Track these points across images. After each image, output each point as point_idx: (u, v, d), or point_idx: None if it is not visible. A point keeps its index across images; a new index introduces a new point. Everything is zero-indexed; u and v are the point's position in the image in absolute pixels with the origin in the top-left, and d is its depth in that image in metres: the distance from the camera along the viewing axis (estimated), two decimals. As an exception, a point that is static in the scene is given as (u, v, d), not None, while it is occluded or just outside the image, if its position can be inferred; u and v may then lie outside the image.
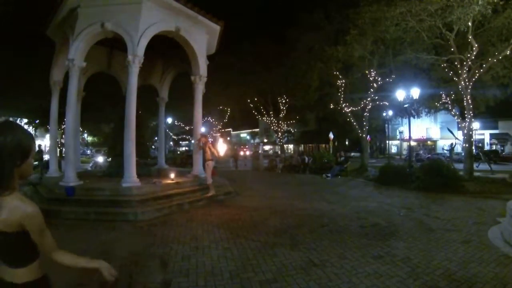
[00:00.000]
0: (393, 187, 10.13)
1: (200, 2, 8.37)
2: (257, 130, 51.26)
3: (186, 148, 45.32)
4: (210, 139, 8.75)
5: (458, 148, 21.02)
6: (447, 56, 11.35)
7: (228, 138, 50.41)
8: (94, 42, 7.85)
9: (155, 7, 7.44)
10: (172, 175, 8.47)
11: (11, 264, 1.24)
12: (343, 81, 16.71)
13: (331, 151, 19.68)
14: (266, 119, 29.62)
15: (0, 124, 1.22)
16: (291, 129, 38.03)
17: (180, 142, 51.13)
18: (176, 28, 7.93)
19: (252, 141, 52.36)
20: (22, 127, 1.27)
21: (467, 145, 11.73)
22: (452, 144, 18.16)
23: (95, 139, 42.72)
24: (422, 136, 36.70)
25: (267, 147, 48.31)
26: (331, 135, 21.37)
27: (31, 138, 1.27)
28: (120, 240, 4.68)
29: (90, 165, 18.18)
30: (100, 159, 17.72)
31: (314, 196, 8.88)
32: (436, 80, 13.24)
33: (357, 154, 27.32)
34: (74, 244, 3.93)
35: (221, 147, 8.52)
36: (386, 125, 28.50)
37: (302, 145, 42.29)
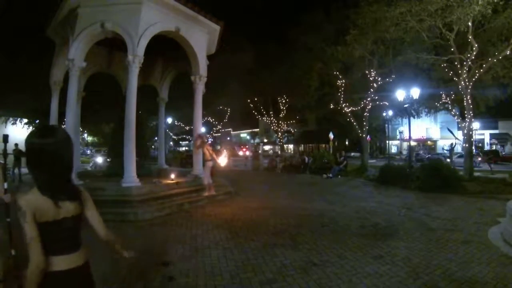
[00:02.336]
0: (393, 187, 10.13)
1: (200, 2, 8.38)
2: (257, 130, 51.22)
3: (186, 148, 45.30)
4: (207, 140, 8.40)
5: (458, 148, 21.02)
6: (447, 56, 11.35)
7: (228, 138, 50.38)
8: (94, 42, 7.85)
9: (155, 7, 7.43)
10: (172, 175, 8.47)
11: (75, 247, 1.43)
12: (343, 81, 16.70)
13: (331, 151, 19.68)
14: (266, 119, 29.60)
15: (58, 128, 1.47)
16: (291, 129, 38.00)
17: (180, 142, 51.10)
18: (176, 28, 7.93)
19: (252, 141, 52.32)
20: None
21: (467, 145, 11.73)
22: (452, 144, 18.15)
23: (95, 139, 42.68)
24: (422, 136, 36.71)
25: (267, 147, 48.27)
26: (331, 135, 21.37)
27: None
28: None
29: (90, 165, 18.18)
30: (99, 159, 17.71)
31: (314, 196, 8.89)
32: (436, 80, 13.25)
33: (357, 154, 27.34)
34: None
35: (223, 159, 8.06)
36: (386, 125, 28.52)
37: (302, 145, 42.28)
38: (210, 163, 8.04)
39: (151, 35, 7.41)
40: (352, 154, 29.82)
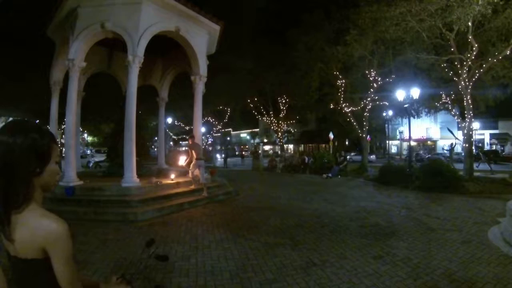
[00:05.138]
0: (393, 187, 10.13)
1: (200, 2, 8.39)
2: (257, 130, 51.22)
3: (186, 148, 45.22)
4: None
5: (458, 148, 21.01)
6: (447, 56, 11.34)
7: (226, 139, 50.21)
8: (94, 42, 7.85)
9: (155, 7, 7.44)
10: (172, 175, 8.47)
11: None
12: (343, 81, 16.71)
13: (331, 151, 19.68)
14: (266, 119, 29.59)
15: (9, 123, 1.00)
16: (291, 129, 38.00)
17: (180, 142, 51.09)
18: (176, 28, 7.93)
19: (252, 141, 52.33)
20: (37, 126, 1.03)
21: (467, 145, 11.73)
22: (452, 144, 18.14)
23: (95, 139, 42.76)
24: (422, 136, 36.67)
25: (267, 147, 48.29)
26: (331, 135, 21.37)
27: (50, 138, 1.02)
28: (120, 240, 4.67)
29: (90, 165, 18.20)
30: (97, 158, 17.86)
31: (314, 196, 8.88)
32: (436, 80, 13.23)
33: (358, 157, 27.24)
34: (74, 245, 3.92)
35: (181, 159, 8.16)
36: (386, 125, 28.50)
37: (302, 145, 42.29)
38: (199, 162, 7.93)
39: (151, 35, 7.41)
40: (353, 154, 29.43)
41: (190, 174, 8.04)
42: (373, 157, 29.03)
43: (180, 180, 8.35)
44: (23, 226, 0.92)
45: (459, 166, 11.84)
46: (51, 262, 0.95)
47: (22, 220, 0.93)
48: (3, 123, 0.93)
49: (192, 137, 8.28)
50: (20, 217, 0.93)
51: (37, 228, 0.93)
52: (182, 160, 8.11)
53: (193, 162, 7.90)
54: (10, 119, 20.74)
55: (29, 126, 1.00)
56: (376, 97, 16.56)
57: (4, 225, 0.92)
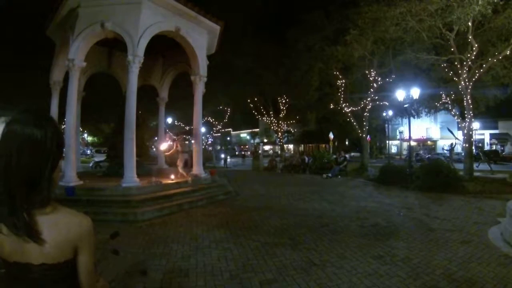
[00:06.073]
0: (393, 187, 10.12)
1: (200, 2, 8.40)
2: (257, 130, 51.23)
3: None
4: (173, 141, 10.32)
5: (458, 148, 21.01)
6: (447, 56, 11.35)
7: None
8: (94, 42, 7.86)
9: (155, 7, 7.44)
10: (172, 175, 8.47)
11: None
12: (343, 81, 16.71)
13: (331, 151, 19.68)
14: (266, 119, 29.59)
15: (35, 114, 0.89)
16: (291, 129, 38.00)
17: (180, 142, 51.04)
18: (176, 28, 7.94)
19: (252, 141, 52.34)
20: (50, 114, 0.96)
21: (467, 145, 11.73)
22: (452, 144, 18.14)
23: (95, 139, 42.83)
24: (422, 136, 36.68)
25: (267, 147, 48.28)
26: (331, 135, 21.38)
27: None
28: (120, 241, 4.67)
29: (90, 165, 18.23)
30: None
31: (314, 196, 8.88)
32: (436, 80, 13.24)
33: (357, 154, 27.24)
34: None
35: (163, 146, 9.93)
36: (386, 125, 28.46)
37: (302, 145, 42.29)
38: (184, 155, 8.94)
39: (151, 35, 7.42)
40: (353, 154, 29.30)
41: (184, 173, 8.63)
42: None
43: (180, 180, 8.35)
44: (55, 227, 0.86)
45: (459, 166, 11.84)
46: (79, 258, 0.92)
47: (52, 220, 0.87)
48: (3, 123, 0.86)
49: (180, 138, 9.94)
50: (47, 218, 0.86)
51: (72, 226, 0.89)
52: (163, 146, 9.55)
53: (179, 157, 8.77)
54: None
55: (49, 115, 0.95)
56: (376, 97, 16.54)
57: (29, 229, 0.82)
